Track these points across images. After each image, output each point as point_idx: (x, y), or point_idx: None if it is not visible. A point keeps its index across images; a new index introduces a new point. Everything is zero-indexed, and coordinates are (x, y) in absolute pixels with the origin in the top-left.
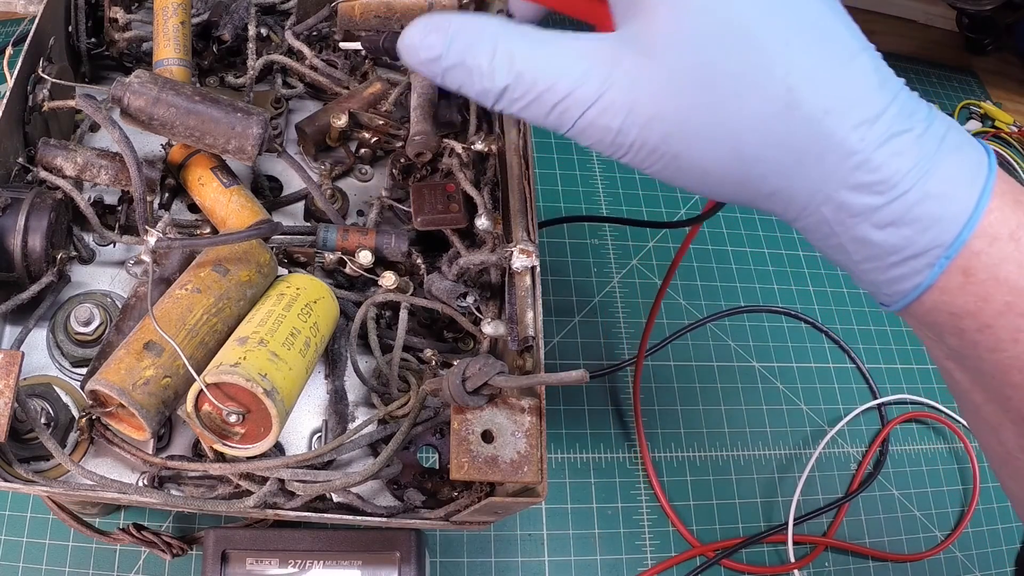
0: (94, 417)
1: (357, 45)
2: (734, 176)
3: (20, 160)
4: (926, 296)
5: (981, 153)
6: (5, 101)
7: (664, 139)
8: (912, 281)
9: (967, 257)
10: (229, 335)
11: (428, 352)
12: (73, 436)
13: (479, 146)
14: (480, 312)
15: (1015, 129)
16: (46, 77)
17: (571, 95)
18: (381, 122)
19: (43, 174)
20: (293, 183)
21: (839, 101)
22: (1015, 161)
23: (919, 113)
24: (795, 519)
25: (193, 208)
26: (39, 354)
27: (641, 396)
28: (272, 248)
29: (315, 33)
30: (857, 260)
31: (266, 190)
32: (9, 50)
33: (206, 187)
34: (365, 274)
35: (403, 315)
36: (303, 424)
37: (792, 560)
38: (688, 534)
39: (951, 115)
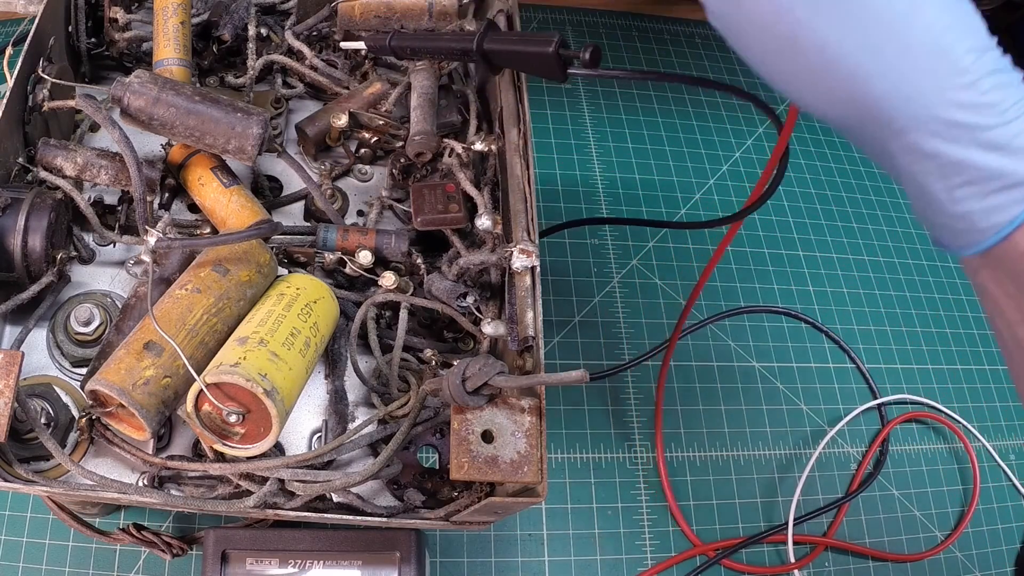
0: (94, 417)
1: (360, 44)
2: (850, 64)
3: (20, 160)
4: (1018, 235)
5: None
6: (5, 101)
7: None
8: (1010, 212)
9: None
10: (229, 335)
11: (428, 352)
12: (73, 436)
13: (479, 146)
14: (480, 312)
15: None
16: (46, 77)
17: None
18: (381, 122)
19: (43, 174)
20: (293, 183)
21: (956, 22)
22: None
23: (1010, 65)
24: (795, 519)
25: (193, 208)
26: (39, 354)
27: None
28: (272, 248)
29: (315, 33)
30: (955, 184)
31: (266, 190)
32: (9, 50)
33: (206, 187)
34: (365, 274)
35: (403, 315)
36: (303, 424)
37: (792, 560)
38: (690, 532)
39: None
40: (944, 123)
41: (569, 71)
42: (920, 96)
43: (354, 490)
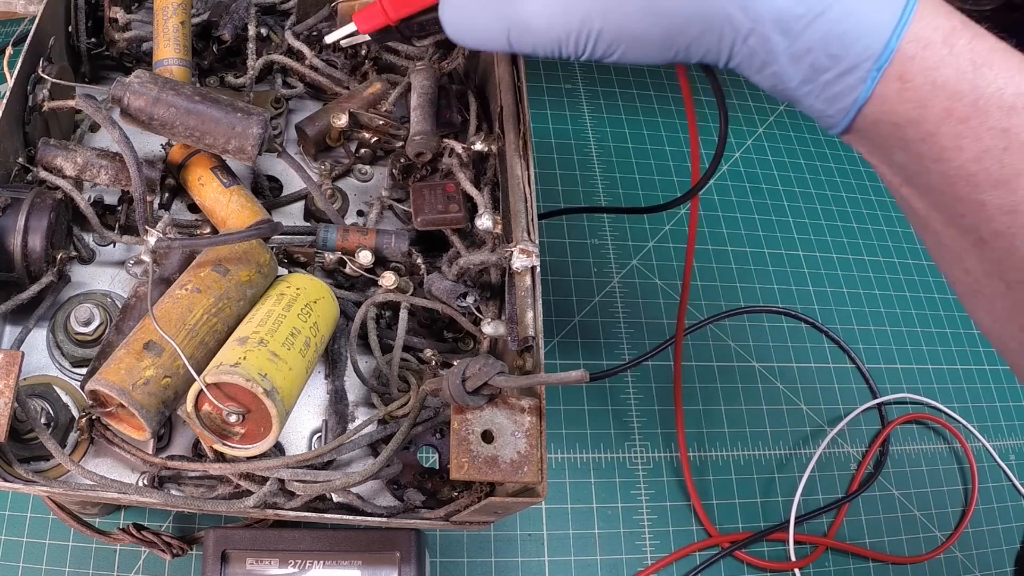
0: (94, 417)
1: (364, 36)
2: (658, 32)
3: (20, 160)
4: (867, 109)
5: None
6: (5, 101)
7: (584, 21)
8: (850, 97)
9: (901, 63)
10: (229, 335)
11: (428, 352)
12: (73, 436)
13: (479, 146)
14: (480, 312)
15: None
16: (46, 77)
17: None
18: (381, 122)
19: (43, 174)
20: (293, 183)
21: None
22: None
23: None
24: (795, 519)
25: (193, 208)
26: (39, 354)
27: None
28: (272, 248)
29: (315, 33)
30: (794, 86)
31: (266, 190)
32: (9, 50)
33: (206, 187)
34: (365, 274)
35: (403, 315)
36: (303, 424)
37: (793, 559)
38: (710, 525)
39: None
40: (761, 37)
41: None
42: (731, 24)
43: (354, 490)
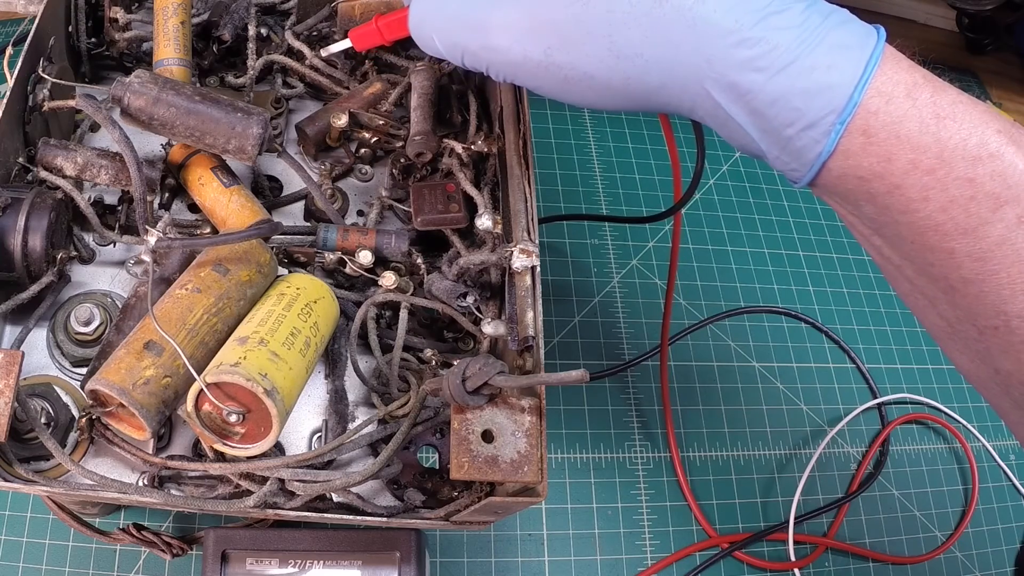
0: (94, 417)
1: (347, 43)
2: (618, 77)
3: (20, 160)
4: (832, 163)
5: (869, 28)
6: (5, 101)
7: (547, 52)
8: (813, 151)
9: (864, 117)
10: (229, 335)
11: (428, 352)
12: (73, 436)
13: (479, 146)
14: (480, 312)
15: None
16: (46, 77)
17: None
18: (381, 122)
19: (43, 174)
20: (293, 183)
21: None
22: None
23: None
24: (795, 519)
25: (193, 208)
26: (39, 354)
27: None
28: (272, 248)
29: (315, 33)
30: (757, 139)
31: (266, 190)
32: (9, 50)
33: (206, 187)
34: (365, 274)
35: (403, 315)
36: (303, 424)
37: (792, 559)
38: (707, 525)
39: None
40: (723, 89)
41: None
42: (692, 75)
43: (354, 490)
